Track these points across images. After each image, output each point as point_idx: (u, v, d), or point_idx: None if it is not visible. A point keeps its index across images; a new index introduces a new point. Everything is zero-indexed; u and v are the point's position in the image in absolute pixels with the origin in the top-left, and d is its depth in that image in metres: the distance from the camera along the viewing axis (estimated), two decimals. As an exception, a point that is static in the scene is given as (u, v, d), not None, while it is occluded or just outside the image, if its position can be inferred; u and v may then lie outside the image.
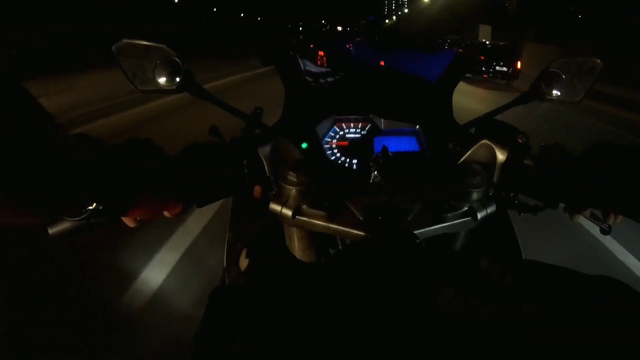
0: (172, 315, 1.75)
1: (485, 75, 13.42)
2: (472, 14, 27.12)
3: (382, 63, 0.90)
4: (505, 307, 0.42)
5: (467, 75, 13.25)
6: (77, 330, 1.60)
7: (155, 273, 2.08)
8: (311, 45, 0.92)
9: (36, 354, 1.48)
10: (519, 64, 13.40)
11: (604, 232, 0.61)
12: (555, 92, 0.73)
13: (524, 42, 16.50)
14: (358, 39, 0.99)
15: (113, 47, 0.65)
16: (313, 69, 0.88)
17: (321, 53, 0.92)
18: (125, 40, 0.66)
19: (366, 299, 0.46)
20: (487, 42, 15.98)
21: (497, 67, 13.29)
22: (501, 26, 20.83)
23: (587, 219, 0.62)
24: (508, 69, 13.20)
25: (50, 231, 0.46)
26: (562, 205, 0.63)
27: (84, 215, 0.44)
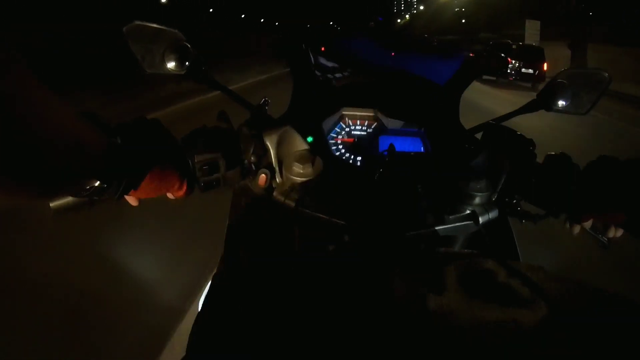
0: (167, 301, 1.80)
1: (511, 78, 13.34)
2: (511, 7, 24.41)
3: (390, 62, 0.92)
4: (511, 311, 0.43)
5: (489, 78, 13.23)
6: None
7: (151, 259, 2.14)
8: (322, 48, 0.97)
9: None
10: (545, 66, 13.33)
11: (602, 246, 0.63)
12: (561, 103, 0.77)
13: (587, 42, 14.98)
14: (369, 37, 1.04)
15: (124, 29, 0.69)
16: (323, 62, 0.91)
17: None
18: (136, 22, 0.70)
19: (363, 300, 0.48)
20: (519, 43, 15.37)
21: (523, 70, 13.24)
22: (556, 22, 18.38)
23: (588, 231, 0.64)
24: (534, 71, 13.18)
25: (52, 205, 0.47)
26: (563, 215, 0.65)
27: (87, 193, 0.46)
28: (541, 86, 0.81)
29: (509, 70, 13.48)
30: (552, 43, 15.91)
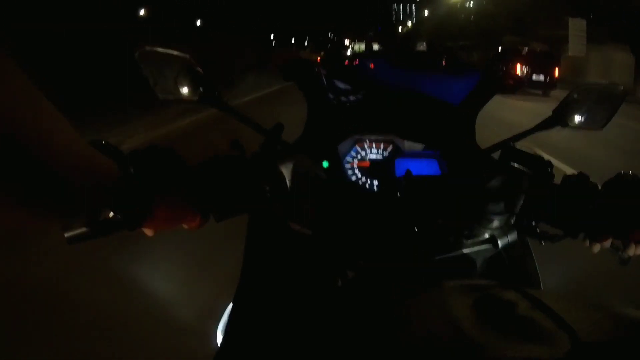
0: (181, 326, 1.87)
1: (525, 85, 13.16)
2: (544, 3, 21.05)
3: (404, 83, 0.94)
4: (532, 347, 0.43)
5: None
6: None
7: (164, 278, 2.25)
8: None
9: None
10: (556, 72, 13.22)
11: (622, 262, 0.64)
12: (577, 119, 0.79)
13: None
14: (382, 58, 1.08)
15: (135, 53, 0.71)
16: (337, 85, 0.93)
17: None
18: (147, 47, 0.72)
19: (379, 331, 0.49)
20: (538, 49, 14.99)
21: (534, 76, 13.14)
22: (601, 21, 16.13)
23: (607, 249, 0.65)
24: (545, 77, 13.09)
25: (66, 235, 0.48)
26: (582, 234, 0.67)
27: (101, 223, 0.48)
28: (552, 93, 0.84)
29: (520, 79, 13.52)
30: (603, 47, 14.83)
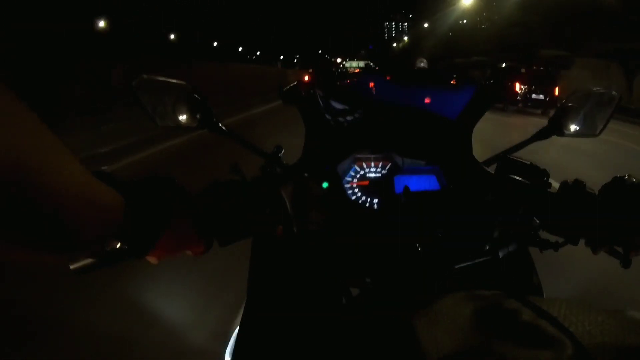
0: (190, 349, 1.97)
1: (520, 105, 13.49)
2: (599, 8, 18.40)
3: (400, 100, 0.99)
4: (536, 353, 0.45)
5: (496, 105, 13.68)
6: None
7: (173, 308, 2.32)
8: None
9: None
10: (556, 91, 13.46)
11: (624, 265, 0.67)
12: (573, 127, 0.83)
13: None
14: (377, 75, 1.15)
15: (133, 83, 0.75)
16: (333, 105, 0.98)
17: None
18: (144, 76, 0.76)
19: (384, 346, 0.52)
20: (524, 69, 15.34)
21: (534, 95, 13.52)
22: None
23: (607, 253, 0.68)
24: (545, 97, 13.41)
25: (71, 267, 0.51)
26: (582, 241, 0.70)
27: (106, 254, 0.50)
28: (552, 112, 0.91)
29: (518, 97, 13.70)
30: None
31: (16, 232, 0.37)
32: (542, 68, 15.25)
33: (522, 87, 13.97)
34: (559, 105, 0.87)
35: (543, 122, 0.90)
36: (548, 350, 0.45)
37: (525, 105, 13.68)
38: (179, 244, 0.62)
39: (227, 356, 0.85)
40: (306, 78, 12.58)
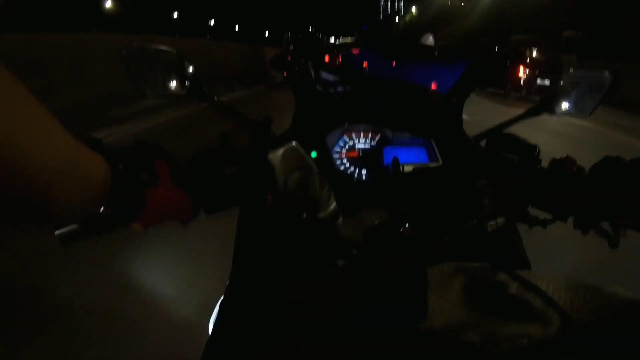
0: (176, 323, 2.05)
1: (525, 91, 12.93)
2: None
3: (392, 72, 1.01)
4: (524, 326, 0.48)
5: (499, 91, 12.90)
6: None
7: (159, 276, 2.44)
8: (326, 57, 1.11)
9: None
10: (563, 76, 13.71)
11: (612, 245, 0.69)
12: (564, 105, 0.86)
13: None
14: (369, 47, 1.18)
15: (123, 51, 0.77)
16: (324, 76, 1.00)
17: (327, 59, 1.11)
18: (134, 44, 0.78)
19: (371, 316, 0.54)
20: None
21: (539, 81, 12.99)
22: None
23: (596, 232, 0.71)
24: (551, 83, 12.86)
25: (57, 232, 0.52)
26: (571, 218, 0.72)
27: (92, 220, 0.52)
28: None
29: (521, 83, 13.16)
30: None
31: (1, 198, 0.38)
32: (548, 55, 14.57)
33: (526, 71, 13.50)
34: None
35: (547, 117, 0.92)
36: (536, 323, 0.48)
37: (528, 92, 13.16)
38: (165, 211, 0.64)
39: (210, 326, 0.89)
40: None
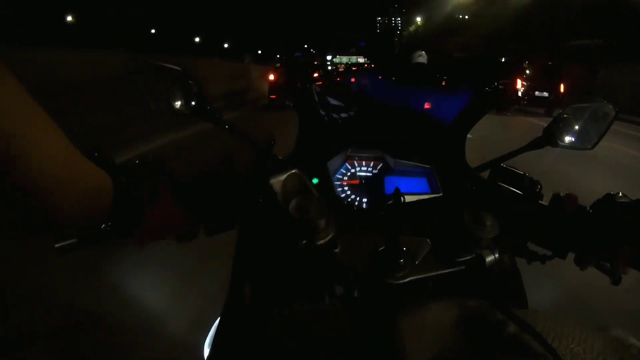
0: (171, 337, 2.08)
1: (524, 102, 12.93)
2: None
3: (396, 100, 1.03)
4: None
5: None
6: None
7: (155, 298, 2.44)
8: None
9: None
10: (562, 87, 12.78)
11: (614, 282, 0.69)
12: (567, 139, 0.87)
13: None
14: (374, 73, 1.20)
15: (128, 63, 0.78)
16: (329, 101, 1.01)
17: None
18: (141, 58, 0.79)
19: (366, 348, 0.55)
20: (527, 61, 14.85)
21: (537, 92, 13.03)
22: None
23: (597, 269, 0.71)
24: (549, 94, 12.89)
25: (56, 245, 0.54)
26: (571, 255, 0.73)
27: (92, 234, 0.54)
28: (556, 113, 0.90)
29: (519, 94, 13.19)
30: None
31: (3, 209, 0.39)
32: (549, 62, 14.64)
33: (524, 83, 13.60)
34: (562, 103, 0.91)
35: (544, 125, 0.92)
36: None
37: (524, 104, 13.27)
38: (164, 229, 0.65)
39: (206, 347, 0.89)
40: (271, 77, 11.35)
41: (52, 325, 2.12)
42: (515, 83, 13.64)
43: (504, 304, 0.59)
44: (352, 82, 1.18)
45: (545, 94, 13.09)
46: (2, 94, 0.36)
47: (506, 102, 13.09)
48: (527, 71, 14.20)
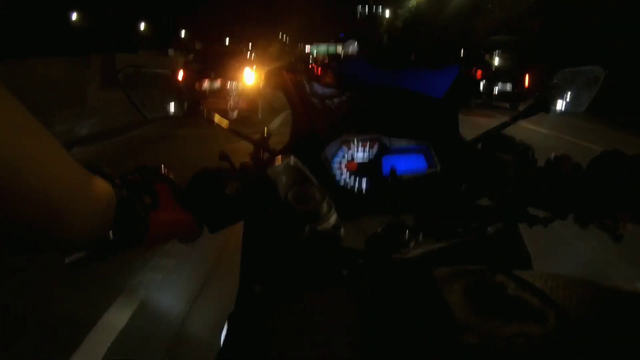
0: (187, 338, 2.14)
1: (484, 97, 11.92)
2: None
3: (387, 81, 1.04)
4: (521, 325, 0.49)
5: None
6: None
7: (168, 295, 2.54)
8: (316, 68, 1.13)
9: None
10: (526, 80, 11.97)
11: (615, 239, 0.69)
12: (559, 104, 0.90)
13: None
14: (362, 59, 1.21)
15: (120, 75, 0.79)
16: (319, 90, 1.03)
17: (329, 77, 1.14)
18: (131, 68, 0.80)
19: (374, 322, 0.56)
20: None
21: (501, 85, 12.13)
22: None
23: (598, 228, 0.71)
24: (513, 88, 12.08)
25: (66, 261, 0.55)
26: (571, 215, 0.74)
27: (99, 246, 0.54)
28: (522, 107, 0.98)
29: (480, 89, 12.06)
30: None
31: (10, 227, 0.39)
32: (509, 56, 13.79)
33: (484, 74, 12.49)
34: (527, 96, 0.94)
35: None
36: (533, 322, 0.50)
37: (490, 99, 12.56)
38: (169, 232, 0.67)
39: (222, 340, 0.91)
40: (180, 76, 7.75)
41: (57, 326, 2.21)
42: (477, 75, 12.50)
43: (505, 267, 0.61)
44: (339, 68, 1.19)
45: (508, 88, 12.41)
46: (5, 113, 0.36)
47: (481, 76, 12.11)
48: (490, 63, 13.45)
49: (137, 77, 0.83)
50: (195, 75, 8.15)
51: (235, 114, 8.35)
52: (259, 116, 8.91)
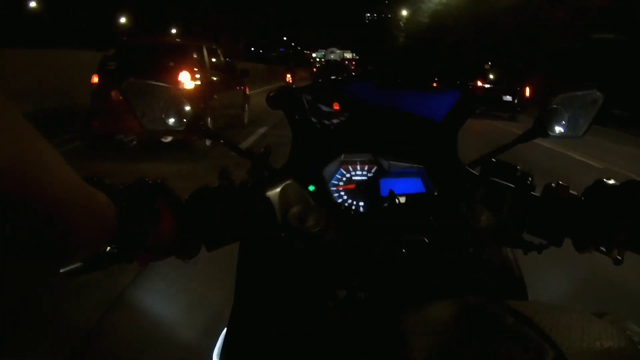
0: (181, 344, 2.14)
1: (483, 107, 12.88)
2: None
3: (387, 102, 1.04)
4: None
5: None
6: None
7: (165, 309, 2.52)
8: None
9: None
10: (527, 91, 12.11)
11: (615, 263, 0.70)
12: (557, 128, 0.91)
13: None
14: (365, 79, 1.20)
15: (121, 85, 0.80)
16: (319, 109, 1.03)
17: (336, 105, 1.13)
18: (132, 79, 0.82)
19: (372, 347, 0.56)
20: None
21: (503, 97, 12.14)
22: None
23: (596, 251, 0.72)
24: (513, 98, 12.12)
25: (62, 270, 0.53)
26: (567, 242, 0.74)
27: (97, 258, 0.54)
28: (521, 118, 0.98)
29: (481, 97, 12.79)
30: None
31: (7, 237, 0.38)
32: (515, 64, 14.01)
33: (485, 86, 13.03)
34: (527, 107, 0.93)
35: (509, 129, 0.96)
36: (529, 356, 0.49)
37: (489, 108, 12.41)
38: (167, 248, 0.67)
39: (214, 357, 0.90)
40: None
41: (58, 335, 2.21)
42: (477, 85, 13.10)
43: (501, 297, 0.61)
44: (342, 87, 1.19)
45: (509, 98, 12.43)
46: (9, 125, 0.36)
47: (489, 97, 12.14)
48: (491, 75, 13.63)
49: (138, 88, 0.84)
50: (112, 80, 6.38)
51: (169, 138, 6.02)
52: (245, 120, 8.59)
